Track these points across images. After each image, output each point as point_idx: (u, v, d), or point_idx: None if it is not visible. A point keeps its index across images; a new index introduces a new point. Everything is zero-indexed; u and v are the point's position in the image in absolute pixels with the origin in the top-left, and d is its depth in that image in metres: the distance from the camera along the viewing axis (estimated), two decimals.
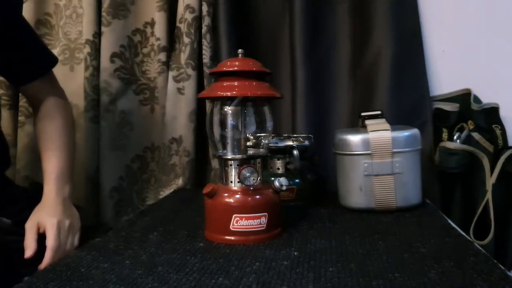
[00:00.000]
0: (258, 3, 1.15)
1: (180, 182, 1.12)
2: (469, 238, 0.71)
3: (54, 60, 0.90)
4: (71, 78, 1.18)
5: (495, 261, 0.55)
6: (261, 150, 0.73)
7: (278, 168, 0.90)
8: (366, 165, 0.83)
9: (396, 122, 0.90)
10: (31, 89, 0.85)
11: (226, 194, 0.68)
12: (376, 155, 0.82)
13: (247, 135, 0.72)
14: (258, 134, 0.72)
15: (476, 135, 1.02)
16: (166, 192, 1.13)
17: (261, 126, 0.73)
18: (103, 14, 1.11)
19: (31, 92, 0.86)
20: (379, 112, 0.89)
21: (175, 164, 1.13)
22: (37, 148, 0.84)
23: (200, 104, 1.13)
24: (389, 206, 0.83)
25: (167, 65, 1.14)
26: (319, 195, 0.97)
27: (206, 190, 0.69)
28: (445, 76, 1.09)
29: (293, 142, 0.88)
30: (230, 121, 0.71)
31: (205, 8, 1.08)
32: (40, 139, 0.84)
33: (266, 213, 0.67)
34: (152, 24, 1.16)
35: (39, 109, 0.86)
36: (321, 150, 1.02)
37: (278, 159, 0.90)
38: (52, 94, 0.87)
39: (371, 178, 0.83)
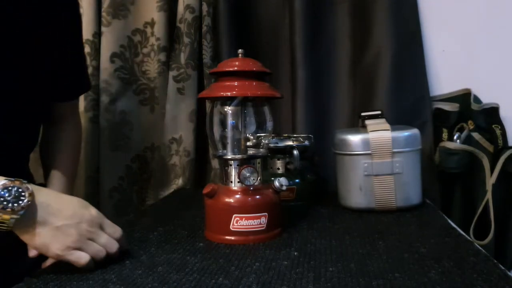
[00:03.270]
0: (258, 3, 1.15)
1: (180, 182, 1.12)
2: (469, 238, 0.70)
3: (90, 83, 0.89)
4: None
5: (495, 261, 0.55)
6: (261, 150, 0.73)
7: (278, 168, 0.90)
8: (366, 165, 0.83)
9: (396, 122, 0.90)
10: (64, 107, 0.84)
11: (226, 194, 0.68)
12: (376, 155, 0.82)
13: (247, 135, 0.72)
14: (258, 134, 0.72)
15: (476, 135, 1.02)
16: (166, 192, 1.13)
17: (261, 126, 0.73)
18: (103, 14, 1.11)
19: (63, 110, 0.84)
20: (379, 112, 0.89)
21: (175, 164, 1.13)
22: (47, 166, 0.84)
23: (200, 104, 1.13)
24: (389, 206, 0.83)
25: (167, 65, 1.14)
26: (319, 195, 0.97)
27: (206, 190, 0.69)
28: (445, 76, 1.09)
29: (293, 142, 0.88)
30: (230, 121, 0.71)
31: (205, 8, 1.08)
32: (55, 167, 0.83)
33: (266, 213, 0.67)
34: (152, 24, 1.16)
35: (60, 128, 0.84)
36: (321, 150, 1.02)
37: (278, 159, 0.90)
38: (75, 118, 0.87)
39: (371, 178, 0.83)
